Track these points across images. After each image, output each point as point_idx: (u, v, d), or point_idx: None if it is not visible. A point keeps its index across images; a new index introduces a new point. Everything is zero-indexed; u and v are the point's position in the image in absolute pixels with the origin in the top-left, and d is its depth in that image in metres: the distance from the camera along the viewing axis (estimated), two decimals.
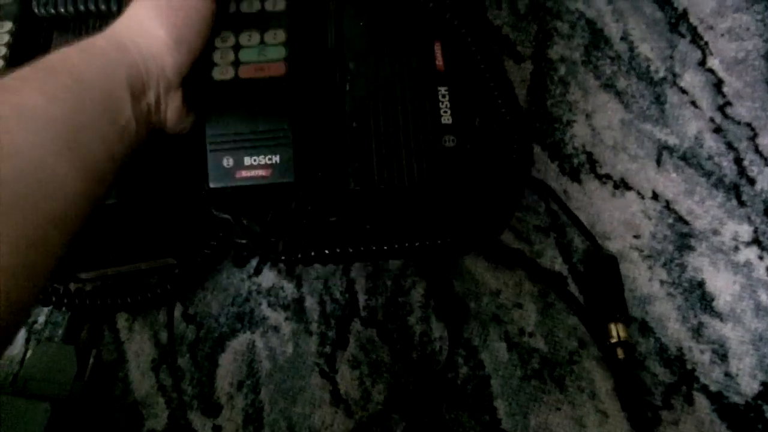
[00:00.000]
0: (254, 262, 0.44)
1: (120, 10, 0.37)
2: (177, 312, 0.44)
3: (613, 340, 0.37)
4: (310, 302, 0.43)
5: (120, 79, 0.30)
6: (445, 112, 0.36)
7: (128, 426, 0.41)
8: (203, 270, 0.44)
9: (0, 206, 0.23)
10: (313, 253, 0.37)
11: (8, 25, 0.43)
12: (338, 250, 0.37)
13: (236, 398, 0.41)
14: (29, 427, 0.39)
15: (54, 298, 0.41)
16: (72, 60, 0.29)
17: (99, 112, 0.29)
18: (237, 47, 0.36)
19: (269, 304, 0.43)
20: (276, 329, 0.42)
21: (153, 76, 0.31)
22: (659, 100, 0.44)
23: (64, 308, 0.41)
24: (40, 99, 0.26)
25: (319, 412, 0.40)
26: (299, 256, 0.37)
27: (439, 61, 0.37)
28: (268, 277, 0.43)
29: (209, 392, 0.42)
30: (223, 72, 0.36)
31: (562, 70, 0.46)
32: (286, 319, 0.42)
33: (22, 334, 0.45)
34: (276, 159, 0.34)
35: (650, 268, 0.40)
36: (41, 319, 0.45)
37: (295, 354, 0.41)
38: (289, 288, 0.43)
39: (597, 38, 0.46)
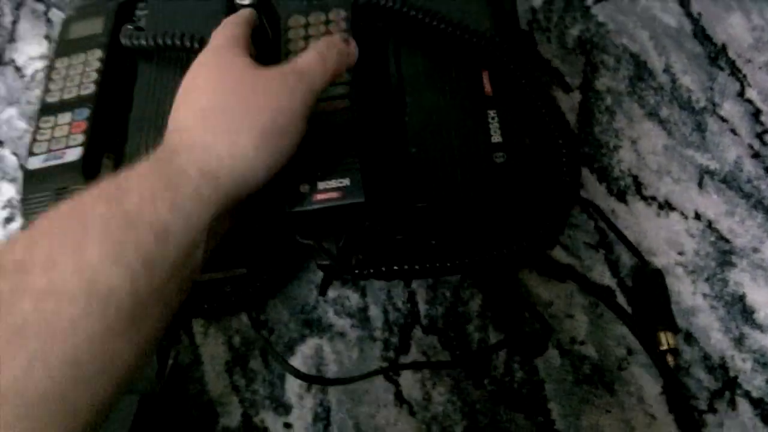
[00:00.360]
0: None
1: (202, 47, 0.44)
2: (247, 319, 0.50)
3: (663, 347, 0.42)
4: (374, 311, 0.49)
5: (205, 221, 0.30)
6: (495, 132, 0.42)
7: (204, 423, 0.47)
8: (276, 280, 0.50)
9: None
10: (384, 269, 0.43)
11: (98, 53, 0.51)
12: (406, 266, 0.43)
13: (305, 398, 0.47)
14: (119, 418, 0.45)
15: None
16: (158, 210, 0.28)
17: (177, 267, 0.28)
18: None
19: (335, 312, 0.49)
20: (342, 335, 0.48)
21: (235, 203, 0.32)
22: (700, 128, 0.50)
23: None
24: (113, 275, 0.26)
25: (383, 411, 0.46)
26: (372, 271, 0.43)
27: (487, 88, 0.44)
28: (334, 287, 0.49)
29: (280, 393, 0.47)
30: None
31: (609, 99, 0.52)
32: (352, 326, 0.48)
33: None
34: (347, 182, 0.41)
35: (694, 282, 0.45)
36: None
37: (360, 358, 0.47)
38: (354, 298, 0.49)
39: (641, 70, 0.53)
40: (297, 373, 0.46)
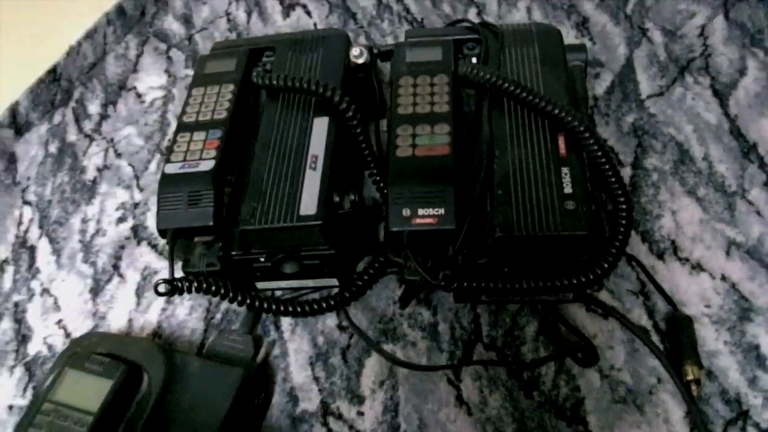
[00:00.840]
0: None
1: (324, 94, 0.59)
2: (332, 322, 0.63)
3: (689, 378, 0.55)
4: (443, 327, 0.62)
5: None
6: (567, 184, 0.56)
7: (287, 404, 0.60)
8: (360, 292, 0.63)
9: None
10: (466, 285, 0.56)
11: (231, 86, 0.67)
12: (484, 285, 0.56)
13: (377, 393, 0.59)
14: (223, 389, 0.57)
15: (248, 300, 0.59)
16: None
17: None
18: (414, 135, 0.58)
19: (409, 325, 0.62)
20: (413, 344, 0.61)
21: None
22: (731, 207, 0.64)
23: (250, 308, 0.60)
24: None
25: (445, 410, 0.58)
26: (456, 286, 0.56)
27: (562, 150, 0.58)
28: (410, 304, 0.63)
29: (355, 386, 0.60)
30: (403, 151, 0.58)
31: (655, 176, 0.67)
32: (422, 337, 0.62)
33: (201, 325, 0.64)
34: (441, 211, 0.55)
35: (717, 330, 0.58)
36: (218, 316, 0.65)
37: (428, 364, 0.60)
38: (426, 314, 0.63)
39: (683, 156, 0.68)
40: (380, 350, 0.59)
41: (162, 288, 0.56)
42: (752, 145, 0.68)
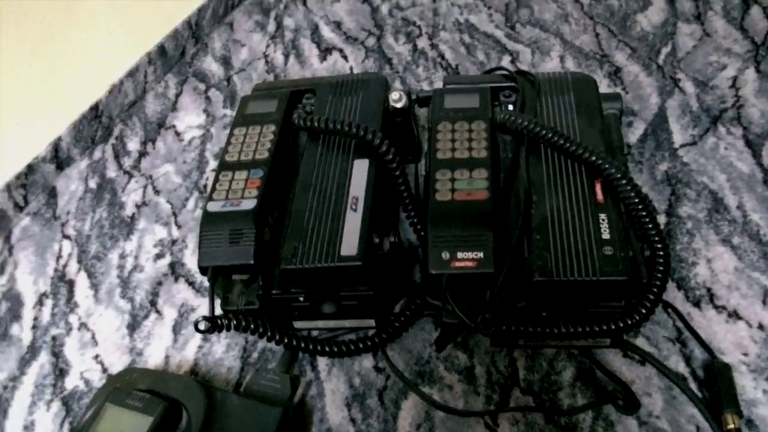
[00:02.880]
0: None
1: (365, 137, 0.61)
2: (369, 363, 0.64)
3: (729, 426, 0.56)
4: (479, 370, 0.63)
5: None
6: (605, 231, 0.57)
7: None
8: (397, 333, 0.64)
9: None
10: (504, 328, 0.57)
11: (273, 127, 0.69)
12: (523, 328, 0.57)
13: None
14: (262, 427, 0.58)
15: (286, 340, 0.61)
16: None
17: None
18: (452, 180, 0.60)
19: (445, 368, 0.63)
20: (450, 387, 0.62)
21: None
22: (765, 257, 0.65)
23: (288, 347, 0.62)
24: None
25: None
26: (495, 329, 0.57)
27: (599, 196, 0.59)
28: (447, 347, 0.64)
29: (392, 428, 0.61)
30: (442, 195, 0.60)
31: (689, 224, 0.68)
32: (459, 380, 0.62)
33: (237, 363, 0.66)
34: (480, 255, 0.56)
35: (755, 379, 0.59)
36: (255, 354, 0.66)
37: (465, 408, 0.61)
38: (462, 357, 0.64)
39: (718, 205, 0.69)
40: (419, 392, 0.60)
41: (202, 325, 0.58)
42: None
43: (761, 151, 0.73)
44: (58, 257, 0.79)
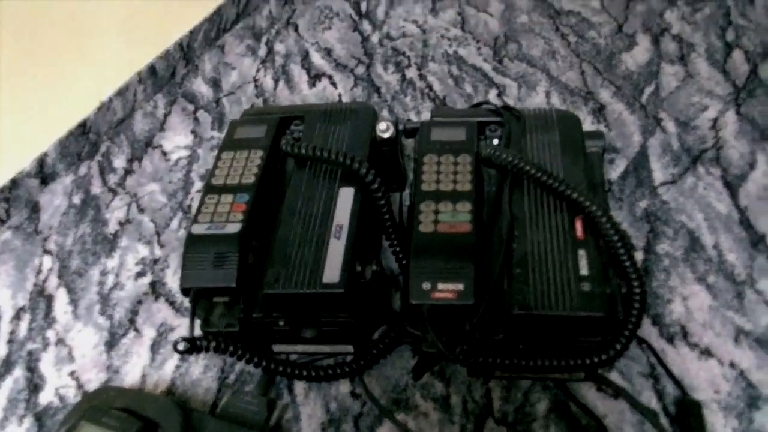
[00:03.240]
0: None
1: (351, 166, 0.62)
2: (346, 389, 0.65)
3: None
4: (455, 399, 0.64)
5: None
6: (583, 267, 0.59)
7: None
8: (375, 360, 0.65)
9: None
10: (482, 360, 0.58)
11: (260, 152, 0.70)
12: (500, 361, 0.58)
13: None
14: None
15: (264, 363, 0.62)
16: None
17: None
18: (436, 212, 0.62)
19: (422, 396, 0.64)
20: (425, 415, 0.63)
21: None
22: (740, 296, 0.67)
23: (267, 371, 0.62)
24: None
25: None
26: (472, 361, 0.58)
27: (580, 233, 0.61)
28: (424, 376, 0.65)
29: None
30: (426, 226, 0.61)
31: (666, 262, 0.70)
32: (434, 409, 0.64)
33: (215, 385, 0.66)
34: (461, 287, 0.58)
35: (725, 417, 0.60)
36: (232, 376, 0.67)
37: None
38: (439, 386, 0.65)
39: (694, 244, 0.71)
40: (394, 420, 0.61)
41: (181, 346, 0.58)
42: (761, 236, 0.72)
43: (739, 192, 0.76)
44: (38, 272, 0.80)
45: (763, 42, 0.92)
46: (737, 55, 0.91)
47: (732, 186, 0.76)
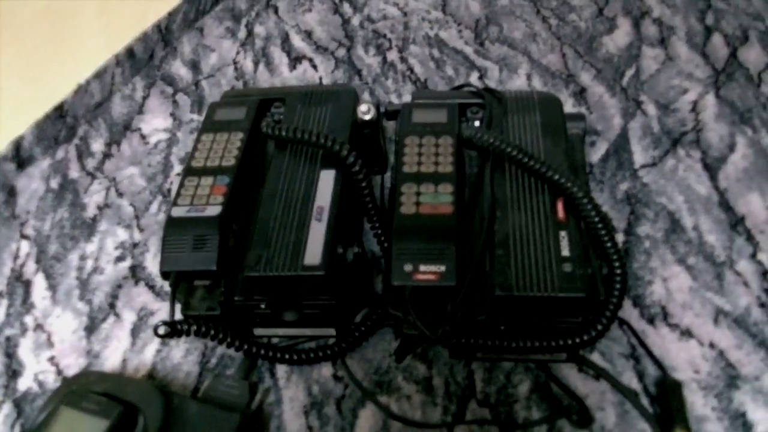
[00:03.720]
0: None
1: (332, 148, 0.62)
2: (328, 372, 0.65)
3: None
4: (437, 381, 0.64)
5: None
6: (565, 248, 0.59)
7: None
8: (357, 343, 0.65)
9: None
10: (464, 341, 0.58)
11: (240, 134, 0.70)
12: (481, 342, 0.58)
13: None
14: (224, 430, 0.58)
15: (246, 347, 0.61)
16: None
17: None
18: (418, 193, 0.61)
19: (404, 378, 0.64)
20: (408, 398, 0.63)
21: None
22: (719, 277, 0.67)
23: (248, 355, 0.62)
24: None
25: None
26: (454, 342, 0.58)
27: (561, 214, 0.61)
28: (406, 358, 0.65)
29: None
30: (407, 208, 0.61)
31: (647, 243, 0.70)
32: (417, 391, 0.63)
33: (196, 369, 0.66)
34: (443, 268, 0.58)
35: (705, 396, 0.61)
36: (214, 360, 0.66)
37: (423, 419, 0.62)
38: (421, 368, 0.65)
39: (675, 226, 0.71)
40: (376, 402, 0.61)
41: (162, 330, 0.58)
42: (740, 218, 0.72)
43: (718, 174, 0.76)
44: (16, 257, 0.78)
45: (742, 25, 0.92)
46: (716, 39, 0.91)
47: (711, 168, 0.77)
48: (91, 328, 0.72)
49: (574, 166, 0.67)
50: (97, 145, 0.88)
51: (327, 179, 0.65)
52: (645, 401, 0.62)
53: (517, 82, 0.89)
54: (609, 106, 0.85)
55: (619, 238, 0.71)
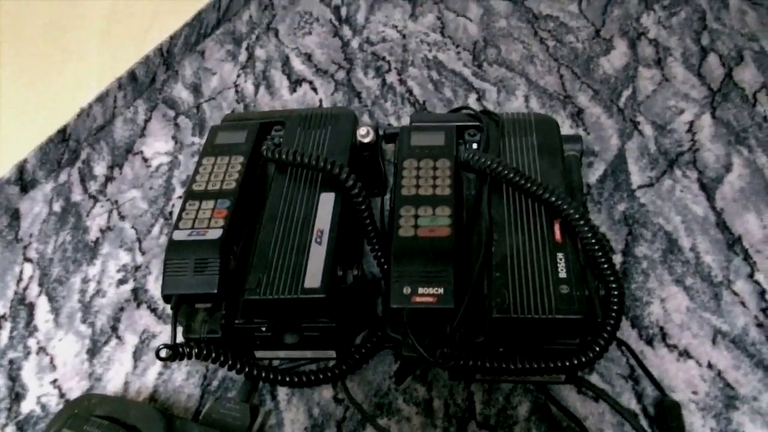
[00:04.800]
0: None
1: (332, 171, 0.62)
2: (329, 394, 0.65)
3: None
4: (437, 403, 0.64)
5: None
6: (562, 270, 0.59)
7: None
8: (357, 365, 0.65)
9: None
10: (463, 363, 0.59)
11: (241, 158, 0.70)
12: (480, 364, 0.59)
13: None
14: None
15: (247, 369, 0.62)
16: None
17: None
18: (416, 216, 0.62)
19: (404, 400, 0.65)
20: (408, 419, 0.63)
21: None
22: (717, 297, 0.68)
23: (249, 377, 0.62)
24: None
25: None
26: (453, 364, 0.59)
27: (558, 236, 0.62)
28: (406, 380, 0.65)
29: None
30: (406, 231, 0.61)
31: (645, 264, 0.71)
32: (417, 413, 0.64)
33: (197, 391, 0.66)
34: (441, 291, 0.58)
35: (703, 417, 0.61)
36: (215, 382, 0.66)
37: None
38: (421, 390, 0.65)
39: (672, 246, 0.72)
40: (376, 425, 0.61)
41: (164, 353, 0.58)
42: (737, 238, 0.73)
43: (715, 194, 0.77)
44: (19, 280, 0.79)
45: (737, 46, 0.93)
46: (712, 59, 0.92)
47: (708, 188, 0.77)
48: (93, 351, 0.72)
49: (571, 187, 0.68)
50: (100, 168, 0.89)
51: (327, 202, 0.66)
52: (644, 422, 0.62)
53: (515, 104, 0.90)
54: (606, 126, 0.85)
55: (617, 258, 0.72)
